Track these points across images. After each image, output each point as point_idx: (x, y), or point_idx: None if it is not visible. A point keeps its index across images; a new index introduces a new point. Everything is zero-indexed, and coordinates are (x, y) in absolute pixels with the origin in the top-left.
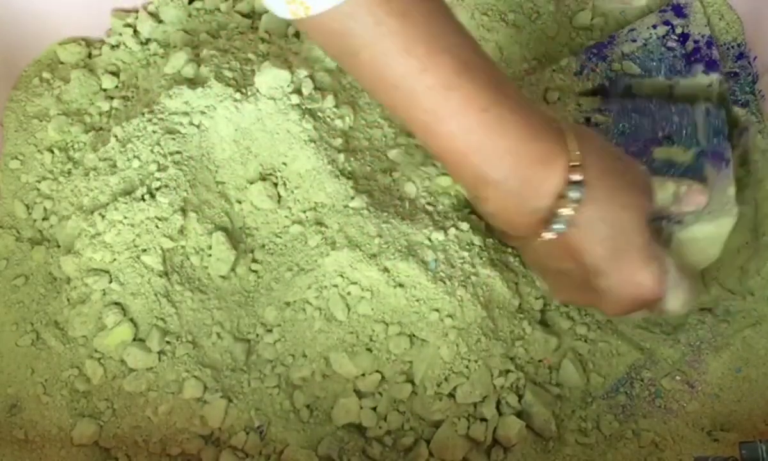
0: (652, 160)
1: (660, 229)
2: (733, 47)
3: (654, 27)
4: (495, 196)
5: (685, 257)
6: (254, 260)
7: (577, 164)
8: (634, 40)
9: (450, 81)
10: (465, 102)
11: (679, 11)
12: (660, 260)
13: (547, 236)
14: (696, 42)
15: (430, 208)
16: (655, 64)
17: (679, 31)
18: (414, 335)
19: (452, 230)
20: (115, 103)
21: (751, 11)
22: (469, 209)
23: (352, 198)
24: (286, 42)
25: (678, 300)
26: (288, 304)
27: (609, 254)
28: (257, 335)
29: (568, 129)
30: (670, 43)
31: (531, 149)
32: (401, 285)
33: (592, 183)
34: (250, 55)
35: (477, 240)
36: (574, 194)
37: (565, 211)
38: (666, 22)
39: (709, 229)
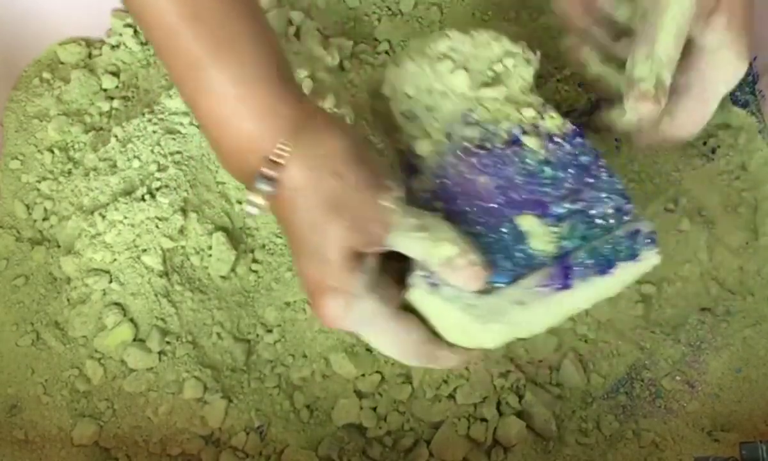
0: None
1: (404, 274)
2: None
3: None
4: (219, 145)
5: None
6: (254, 261)
7: (277, 160)
8: None
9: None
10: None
11: None
12: (348, 297)
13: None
14: None
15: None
16: None
17: None
18: None
19: None
20: (116, 103)
21: None
22: None
23: None
24: (287, 42)
25: (387, 347)
26: (288, 304)
27: (297, 259)
28: (257, 335)
29: (306, 122)
30: None
31: (237, 127)
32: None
33: (288, 186)
34: None
35: None
36: (263, 187)
37: (258, 199)
38: None
39: (451, 312)
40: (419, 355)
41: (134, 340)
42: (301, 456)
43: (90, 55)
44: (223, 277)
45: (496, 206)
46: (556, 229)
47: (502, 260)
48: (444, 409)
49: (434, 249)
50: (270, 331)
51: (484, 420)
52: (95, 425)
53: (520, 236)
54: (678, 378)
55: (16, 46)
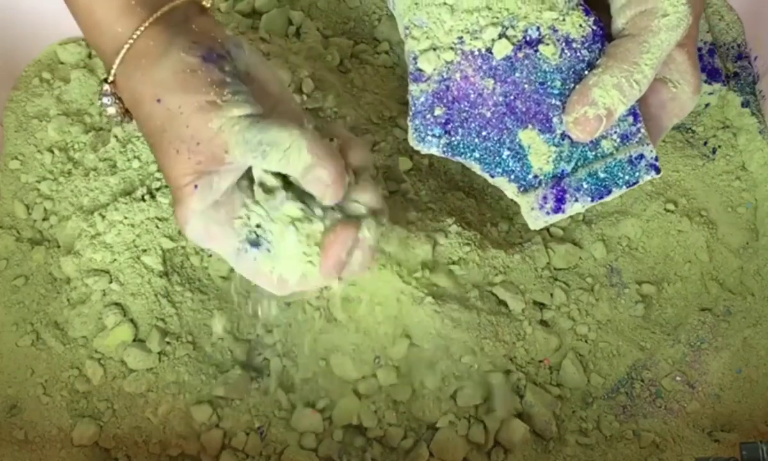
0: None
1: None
2: (733, 48)
3: None
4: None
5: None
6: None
7: (110, 80)
8: None
9: None
10: None
11: None
12: (187, 212)
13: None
14: (698, 50)
15: (432, 206)
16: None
17: None
18: (414, 337)
19: (453, 230)
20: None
21: (751, 11)
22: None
23: None
24: (287, 42)
25: (235, 267)
26: (288, 305)
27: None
28: (257, 335)
29: (137, 45)
30: None
31: (92, 38)
32: (402, 287)
33: (126, 104)
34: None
35: (475, 241)
36: (105, 99)
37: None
38: None
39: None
40: (266, 281)
41: (134, 340)
42: (301, 456)
43: (90, 55)
44: (223, 277)
45: (498, 114)
46: (556, 148)
47: (499, 173)
48: (444, 410)
49: (286, 161)
50: (270, 331)
51: (484, 421)
52: (95, 425)
53: (520, 151)
54: (678, 378)
55: (16, 46)
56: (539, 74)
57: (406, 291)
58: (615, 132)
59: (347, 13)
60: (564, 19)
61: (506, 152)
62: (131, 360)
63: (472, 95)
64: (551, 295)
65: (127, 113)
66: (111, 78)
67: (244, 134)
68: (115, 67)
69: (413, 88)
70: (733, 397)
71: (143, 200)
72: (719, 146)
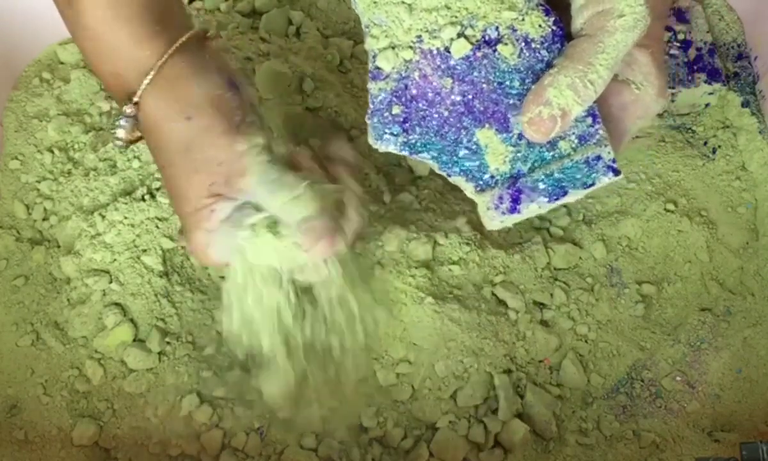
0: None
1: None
2: (733, 48)
3: None
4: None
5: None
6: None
7: (135, 101)
8: None
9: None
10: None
11: (681, 16)
12: (206, 234)
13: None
14: (698, 50)
15: (432, 206)
16: None
17: (681, 37)
18: (414, 337)
19: (453, 230)
20: (115, 103)
21: (751, 11)
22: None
23: None
24: (287, 41)
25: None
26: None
27: (168, 193)
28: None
29: (167, 64)
30: (673, 51)
31: (107, 64)
32: (402, 287)
33: (146, 123)
34: (251, 55)
35: (475, 241)
36: (121, 122)
37: (119, 132)
38: (668, 28)
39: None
40: (294, 253)
41: (134, 340)
42: (301, 456)
43: None
44: (223, 277)
45: (456, 114)
46: (513, 148)
47: (456, 173)
48: (444, 410)
49: (291, 205)
50: None
51: (484, 421)
52: (95, 425)
53: (477, 150)
54: (678, 378)
55: (16, 46)
56: (498, 74)
57: (406, 291)
58: (573, 133)
59: (347, 13)
60: (523, 19)
61: (463, 151)
62: (131, 360)
63: (430, 94)
64: (551, 295)
65: (130, 142)
66: (137, 99)
67: (266, 167)
68: (143, 87)
69: (372, 86)
70: (733, 397)
71: (143, 200)
72: (719, 146)
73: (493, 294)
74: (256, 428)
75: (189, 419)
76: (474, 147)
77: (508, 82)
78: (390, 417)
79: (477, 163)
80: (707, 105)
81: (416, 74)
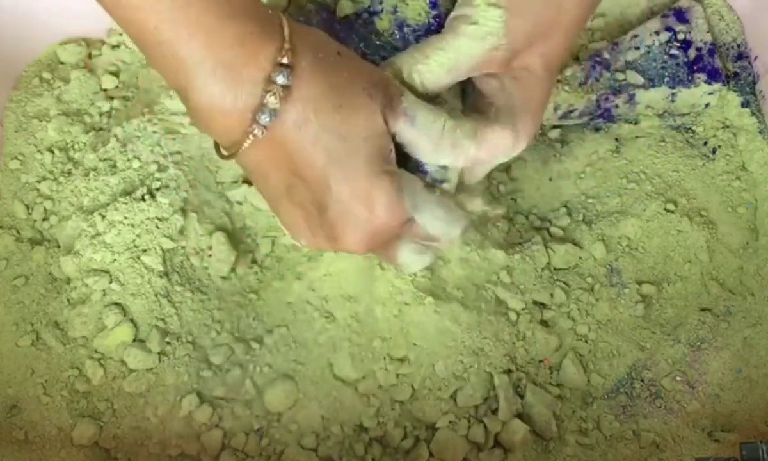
0: None
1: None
2: (733, 48)
3: (657, 33)
4: (195, 86)
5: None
6: (254, 261)
7: (288, 48)
8: (638, 48)
9: None
10: None
11: (681, 16)
12: (394, 176)
13: (255, 132)
14: (698, 50)
15: None
16: (657, 73)
17: (681, 37)
18: (414, 337)
19: None
20: (115, 103)
21: (751, 11)
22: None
23: None
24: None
25: (435, 227)
26: (288, 304)
27: (328, 161)
28: (257, 335)
29: (284, 19)
30: (673, 51)
31: (228, 28)
32: (401, 287)
33: (303, 73)
34: None
35: (475, 241)
36: (280, 79)
37: (272, 99)
38: (668, 28)
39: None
40: (461, 217)
41: (134, 340)
42: (301, 456)
43: (90, 56)
44: (223, 277)
45: None
46: None
47: None
48: (444, 410)
49: (454, 118)
50: (270, 331)
51: (484, 420)
52: (95, 425)
53: None
54: (678, 378)
55: (16, 46)
56: (369, 44)
57: (406, 291)
58: None
59: None
60: (407, 3)
61: None
62: (131, 360)
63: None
64: (551, 295)
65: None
66: (287, 47)
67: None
68: (287, 36)
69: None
70: (733, 397)
71: (143, 200)
72: (719, 146)
73: (494, 294)
74: (256, 429)
75: (189, 419)
76: None
77: (373, 55)
78: (390, 417)
79: None
80: (707, 105)
81: (312, 21)
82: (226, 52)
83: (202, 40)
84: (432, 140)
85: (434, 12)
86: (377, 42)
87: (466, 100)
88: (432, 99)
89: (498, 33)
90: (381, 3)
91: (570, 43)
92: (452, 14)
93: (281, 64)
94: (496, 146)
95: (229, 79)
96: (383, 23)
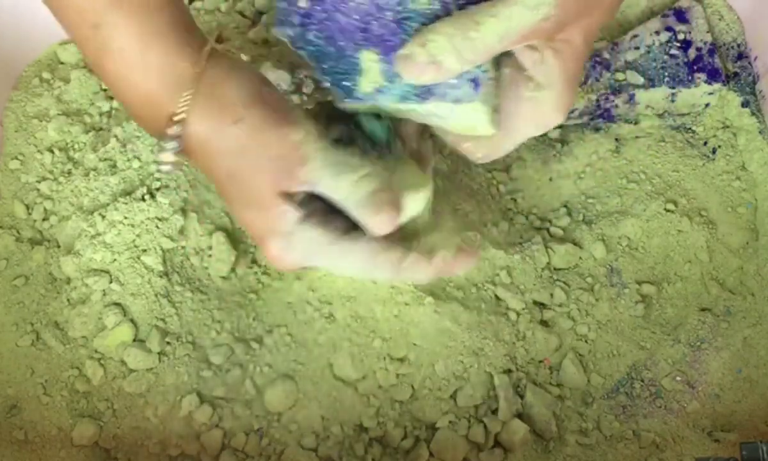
0: None
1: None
2: (733, 48)
3: (657, 33)
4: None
5: None
6: (254, 261)
7: (178, 119)
8: (638, 48)
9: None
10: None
11: (681, 16)
12: (278, 237)
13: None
14: (698, 50)
15: (432, 205)
16: (657, 73)
17: (681, 37)
18: (414, 337)
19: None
20: (116, 103)
21: (751, 11)
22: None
23: None
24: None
25: (343, 270)
26: (288, 304)
27: (227, 197)
28: (257, 335)
29: (204, 74)
30: (673, 51)
31: (137, 85)
32: (402, 287)
33: (192, 144)
34: (250, 55)
35: (477, 241)
36: (169, 145)
37: (167, 157)
38: (668, 28)
39: None
40: (376, 268)
41: (134, 340)
42: (301, 456)
43: None
44: (223, 277)
45: (353, 27)
46: (388, 82)
47: (328, 80)
48: (444, 410)
49: (359, 185)
50: (270, 331)
51: (484, 421)
52: (95, 425)
53: (355, 69)
54: (678, 378)
55: (16, 46)
56: (405, 9)
57: (406, 291)
58: (448, 92)
59: None
60: None
61: (343, 65)
62: (131, 360)
63: (336, 14)
64: (551, 295)
65: (178, 163)
66: (180, 115)
67: (326, 151)
68: (184, 102)
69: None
70: (733, 397)
71: (143, 200)
72: (719, 146)
73: (494, 294)
74: (255, 429)
75: (189, 419)
76: (353, 64)
77: (410, 22)
78: (390, 417)
79: (351, 81)
80: (707, 105)
81: None
82: (138, 108)
83: (124, 90)
84: (342, 202)
85: None
86: (413, 8)
87: (500, 71)
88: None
89: (551, 2)
90: None
91: (607, 20)
92: None
93: (171, 135)
94: (370, 213)
95: (145, 118)
96: None
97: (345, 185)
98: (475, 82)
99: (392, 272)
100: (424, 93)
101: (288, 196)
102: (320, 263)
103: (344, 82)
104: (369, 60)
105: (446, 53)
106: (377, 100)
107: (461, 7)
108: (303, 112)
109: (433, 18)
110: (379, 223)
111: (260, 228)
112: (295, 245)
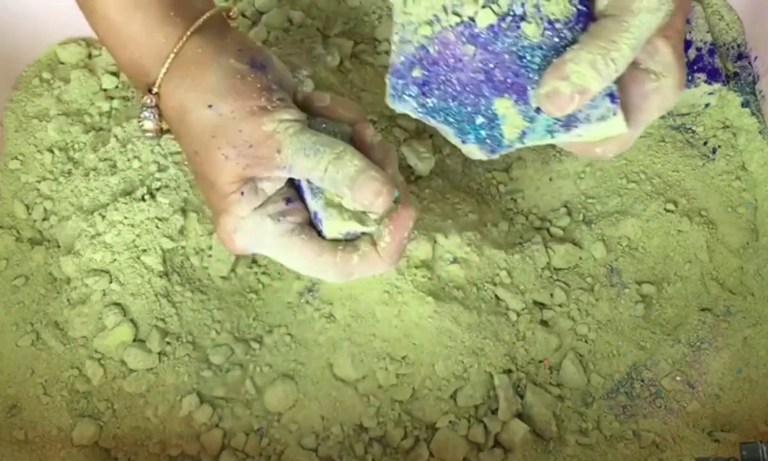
0: None
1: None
2: (733, 48)
3: None
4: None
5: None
6: (254, 261)
7: (156, 91)
8: None
9: None
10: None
11: None
12: (230, 217)
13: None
14: (698, 50)
15: (432, 206)
16: None
17: None
18: (414, 337)
19: (453, 229)
20: (115, 103)
21: (751, 11)
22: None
23: None
24: (286, 41)
25: (288, 264)
26: (288, 304)
27: (195, 179)
28: (257, 335)
29: (181, 54)
30: None
31: (124, 53)
32: (402, 287)
33: (167, 115)
34: None
35: (475, 241)
36: (146, 113)
37: (145, 123)
38: None
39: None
40: (319, 269)
41: (134, 340)
42: (301, 456)
43: (90, 56)
44: (223, 277)
45: (476, 81)
46: (530, 122)
47: (471, 140)
48: (444, 410)
49: (337, 164)
50: (270, 331)
51: (484, 421)
52: (95, 425)
53: (494, 119)
54: (678, 378)
55: (16, 46)
56: (520, 48)
57: (406, 291)
58: (590, 112)
59: (347, 13)
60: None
61: (480, 119)
62: (131, 360)
63: (451, 60)
64: (551, 295)
65: (160, 130)
66: (155, 89)
67: (299, 136)
68: (161, 75)
69: (394, 46)
70: (733, 397)
71: (143, 200)
72: (719, 146)
73: (493, 294)
74: (255, 429)
75: (189, 419)
76: (491, 116)
77: (529, 57)
78: (390, 417)
79: (493, 132)
80: (707, 105)
81: (439, 40)
82: (129, 68)
83: (119, 53)
84: (320, 183)
85: None
86: (527, 45)
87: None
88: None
89: (668, 0)
90: (522, 5)
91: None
92: None
93: (147, 104)
94: (367, 195)
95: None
96: (531, 27)
97: (321, 166)
98: (611, 96)
99: (336, 275)
100: (569, 121)
101: (251, 182)
102: (268, 253)
103: (487, 138)
104: (504, 107)
105: (591, 79)
106: (525, 143)
107: (571, 29)
108: (286, 101)
109: (551, 46)
110: (378, 206)
111: (216, 207)
112: (245, 231)
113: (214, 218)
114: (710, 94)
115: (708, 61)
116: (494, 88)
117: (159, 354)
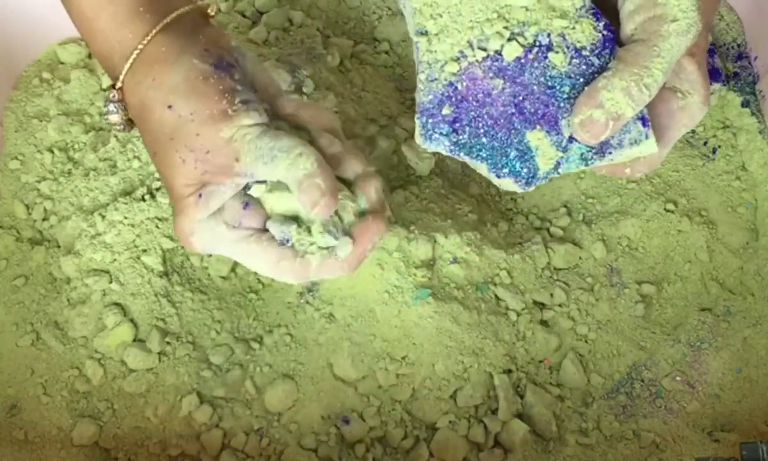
0: None
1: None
2: (733, 48)
3: None
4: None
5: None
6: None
7: (119, 86)
8: None
9: None
10: None
11: None
12: (187, 218)
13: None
14: None
15: (432, 206)
16: None
17: None
18: (414, 337)
19: (453, 230)
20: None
21: (751, 11)
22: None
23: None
24: (287, 41)
25: (248, 265)
26: (288, 304)
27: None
28: (257, 335)
29: (145, 52)
30: None
31: (94, 46)
32: (402, 287)
33: (131, 111)
34: None
35: (475, 241)
36: (110, 106)
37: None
38: None
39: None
40: (280, 273)
41: (134, 340)
42: (301, 456)
43: (90, 55)
44: (223, 277)
45: (506, 115)
46: (563, 152)
47: (506, 174)
48: (444, 410)
49: (290, 169)
50: (270, 331)
51: (484, 421)
52: (95, 425)
53: (527, 152)
54: (678, 378)
55: (16, 46)
56: (548, 78)
57: (406, 291)
58: (624, 137)
59: (347, 13)
60: (574, 27)
61: (513, 153)
62: (131, 360)
63: (480, 95)
64: (551, 295)
65: (129, 122)
66: (119, 84)
67: (256, 142)
68: (124, 71)
69: (421, 85)
70: (733, 397)
71: (143, 200)
72: (719, 146)
73: (493, 294)
74: (255, 429)
75: (189, 419)
76: (524, 148)
77: (558, 86)
78: (390, 417)
79: (527, 165)
80: None
81: (467, 76)
82: (103, 60)
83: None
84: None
85: (601, 23)
86: (555, 74)
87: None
88: None
89: (696, 21)
90: (548, 36)
91: (714, 14)
92: (638, 19)
93: (110, 99)
94: (307, 200)
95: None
96: (558, 57)
97: (280, 170)
98: (642, 119)
99: (296, 279)
100: (602, 148)
101: (207, 187)
102: (227, 255)
103: (522, 171)
104: (536, 139)
105: (625, 106)
106: (560, 173)
107: (598, 55)
108: (250, 103)
109: (579, 74)
110: (317, 212)
111: (174, 207)
112: (202, 233)
113: (174, 217)
114: (710, 94)
115: (708, 61)
116: (525, 121)
117: (159, 354)
